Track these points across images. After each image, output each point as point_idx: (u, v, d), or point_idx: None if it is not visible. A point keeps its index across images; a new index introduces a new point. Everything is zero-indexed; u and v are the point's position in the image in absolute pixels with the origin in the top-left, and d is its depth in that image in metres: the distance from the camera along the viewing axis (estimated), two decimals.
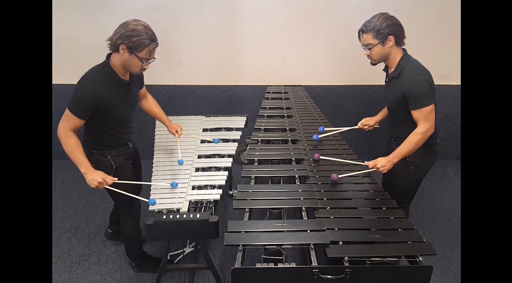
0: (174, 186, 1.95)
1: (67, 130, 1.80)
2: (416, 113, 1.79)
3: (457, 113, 3.50)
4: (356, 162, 1.98)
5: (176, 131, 2.25)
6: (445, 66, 3.28)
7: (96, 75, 1.80)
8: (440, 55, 3.22)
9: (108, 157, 1.95)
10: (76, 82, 1.85)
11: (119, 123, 1.94)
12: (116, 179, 1.86)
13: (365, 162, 1.93)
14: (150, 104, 2.27)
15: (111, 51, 1.81)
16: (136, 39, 1.70)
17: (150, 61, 1.81)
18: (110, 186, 1.84)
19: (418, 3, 3.07)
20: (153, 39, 1.75)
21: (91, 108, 1.78)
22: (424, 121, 1.78)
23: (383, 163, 1.87)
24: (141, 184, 2.16)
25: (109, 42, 1.76)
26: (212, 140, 2.35)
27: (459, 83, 3.35)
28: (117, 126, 1.94)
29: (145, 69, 1.83)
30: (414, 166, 1.95)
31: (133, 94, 1.99)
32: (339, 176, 1.89)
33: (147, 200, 1.85)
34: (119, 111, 1.89)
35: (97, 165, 1.91)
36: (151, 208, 1.82)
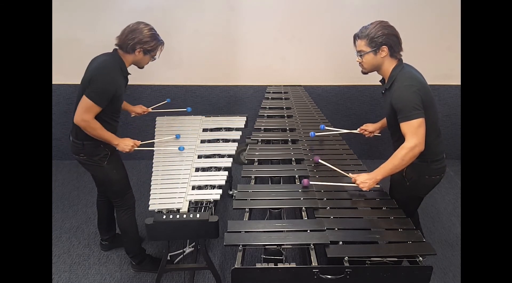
0: (178, 137, 2.32)
1: (90, 119, 1.91)
2: (403, 127, 1.67)
3: (457, 113, 3.50)
4: (343, 172, 1.87)
5: (144, 111, 2.51)
6: (445, 66, 3.28)
7: (114, 66, 1.95)
8: (440, 55, 3.23)
9: (102, 145, 2.04)
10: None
11: (116, 112, 2.08)
12: (140, 141, 2.12)
13: (349, 174, 1.83)
14: None
15: (116, 48, 1.99)
16: (154, 44, 1.99)
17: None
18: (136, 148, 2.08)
19: (418, 4, 3.07)
20: (162, 40, 2.06)
21: (109, 96, 1.93)
22: (412, 135, 1.64)
23: (363, 179, 1.73)
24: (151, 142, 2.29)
25: (119, 43, 1.97)
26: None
27: (459, 83, 3.36)
28: (114, 115, 2.07)
29: (148, 63, 2.11)
30: (410, 182, 1.85)
31: None
32: (311, 182, 1.82)
33: (177, 148, 2.21)
34: (121, 101, 2.07)
35: (91, 155, 2.03)
36: (151, 207, 1.82)
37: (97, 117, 1.94)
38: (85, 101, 1.88)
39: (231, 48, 3.24)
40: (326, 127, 2.40)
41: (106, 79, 1.90)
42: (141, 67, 2.10)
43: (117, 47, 2.00)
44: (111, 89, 1.91)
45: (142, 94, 3.37)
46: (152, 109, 2.59)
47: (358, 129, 2.33)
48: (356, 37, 1.81)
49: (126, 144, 2.03)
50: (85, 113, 1.88)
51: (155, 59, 2.08)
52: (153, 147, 2.26)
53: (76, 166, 3.35)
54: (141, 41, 1.94)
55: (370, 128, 2.27)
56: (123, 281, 2.27)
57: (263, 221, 1.65)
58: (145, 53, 2.00)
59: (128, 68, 2.06)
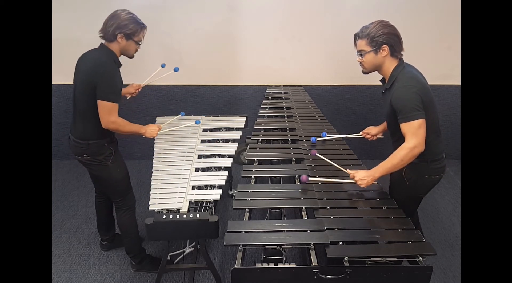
0: (198, 122, 2.40)
1: (117, 118, 1.94)
2: (403, 127, 1.67)
3: (457, 113, 3.50)
4: (341, 168, 1.88)
5: (137, 89, 2.45)
6: (445, 66, 3.28)
7: (109, 61, 1.95)
8: (440, 55, 3.22)
9: (105, 144, 2.05)
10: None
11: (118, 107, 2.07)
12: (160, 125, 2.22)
13: (347, 170, 1.82)
14: None
15: (103, 41, 1.98)
16: (132, 26, 1.95)
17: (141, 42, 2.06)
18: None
19: (418, 4, 3.07)
20: (143, 23, 2.02)
21: (120, 91, 1.97)
22: (412, 136, 1.64)
23: (362, 176, 1.73)
24: None
25: (101, 34, 1.96)
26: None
27: (459, 83, 3.35)
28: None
29: (137, 50, 2.07)
30: (410, 182, 1.84)
31: None
32: (310, 178, 1.82)
33: (194, 122, 2.38)
34: (120, 93, 2.04)
35: (95, 155, 2.02)
36: (151, 207, 1.82)
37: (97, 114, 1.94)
38: (104, 105, 1.88)
39: (231, 48, 3.24)
40: (328, 134, 2.38)
41: (112, 77, 1.91)
42: (130, 56, 2.06)
43: (103, 41, 1.99)
44: (118, 84, 1.95)
45: (142, 94, 3.36)
46: (146, 83, 2.50)
47: (361, 132, 2.32)
48: (356, 36, 1.80)
49: (152, 130, 2.13)
50: (110, 115, 1.90)
51: (139, 44, 2.03)
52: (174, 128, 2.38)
53: (76, 166, 3.35)
54: (119, 26, 1.92)
55: (373, 131, 2.26)
56: (123, 281, 2.27)
57: (263, 221, 1.65)
58: (127, 38, 1.96)
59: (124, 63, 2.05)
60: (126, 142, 3.51)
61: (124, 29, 1.92)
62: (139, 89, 2.47)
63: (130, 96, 2.45)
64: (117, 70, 1.98)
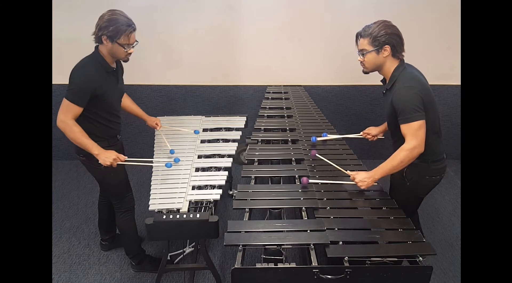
0: (170, 164, 2.07)
1: (69, 120, 1.85)
2: (403, 128, 1.68)
3: (457, 113, 3.50)
4: (342, 169, 1.90)
5: (157, 124, 2.40)
6: (445, 66, 3.28)
7: (88, 62, 1.91)
8: (440, 55, 3.22)
9: None
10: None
11: (110, 112, 2.01)
12: (126, 157, 1.96)
13: (348, 171, 1.84)
14: (127, 101, 2.32)
15: (97, 44, 1.93)
16: (113, 28, 1.81)
17: (132, 45, 1.90)
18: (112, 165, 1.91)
19: (418, 4, 3.07)
20: (128, 25, 1.85)
21: (88, 94, 1.85)
22: (412, 137, 1.65)
23: (362, 178, 1.75)
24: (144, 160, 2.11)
25: (93, 36, 1.89)
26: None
27: (459, 83, 3.35)
28: (108, 115, 2.00)
29: (130, 54, 1.92)
30: (411, 183, 1.84)
31: (120, 83, 2.09)
32: (310, 180, 1.84)
33: (164, 164, 2.06)
34: (110, 98, 1.97)
35: (90, 155, 1.96)
36: (151, 207, 1.82)
37: (90, 119, 1.92)
38: (63, 102, 1.85)
39: (231, 48, 3.24)
40: (329, 135, 2.37)
41: (81, 76, 1.84)
42: (121, 59, 1.95)
43: (96, 44, 1.93)
44: (87, 87, 1.83)
45: (142, 94, 3.37)
46: (161, 130, 2.42)
47: (361, 133, 2.31)
48: (358, 35, 1.80)
49: (107, 156, 1.87)
50: (62, 113, 1.84)
51: (126, 48, 1.86)
52: (141, 162, 2.04)
53: (76, 165, 3.36)
54: (101, 27, 1.82)
55: (373, 132, 2.26)
56: (123, 281, 2.27)
57: (263, 221, 1.66)
58: (111, 40, 1.83)
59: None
60: (126, 142, 3.50)
61: (105, 31, 1.81)
62: (155, 127, 2.41)
63: (147, 124, 2.42)
64: (98, 74, 1.87)
